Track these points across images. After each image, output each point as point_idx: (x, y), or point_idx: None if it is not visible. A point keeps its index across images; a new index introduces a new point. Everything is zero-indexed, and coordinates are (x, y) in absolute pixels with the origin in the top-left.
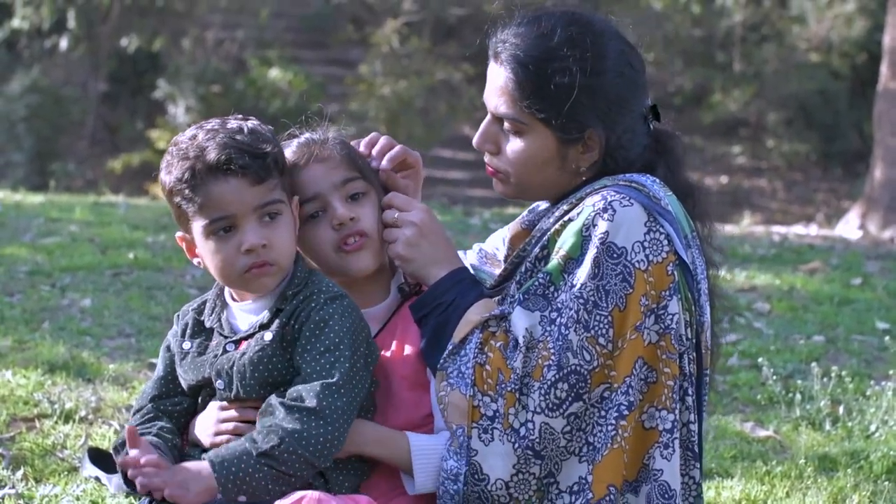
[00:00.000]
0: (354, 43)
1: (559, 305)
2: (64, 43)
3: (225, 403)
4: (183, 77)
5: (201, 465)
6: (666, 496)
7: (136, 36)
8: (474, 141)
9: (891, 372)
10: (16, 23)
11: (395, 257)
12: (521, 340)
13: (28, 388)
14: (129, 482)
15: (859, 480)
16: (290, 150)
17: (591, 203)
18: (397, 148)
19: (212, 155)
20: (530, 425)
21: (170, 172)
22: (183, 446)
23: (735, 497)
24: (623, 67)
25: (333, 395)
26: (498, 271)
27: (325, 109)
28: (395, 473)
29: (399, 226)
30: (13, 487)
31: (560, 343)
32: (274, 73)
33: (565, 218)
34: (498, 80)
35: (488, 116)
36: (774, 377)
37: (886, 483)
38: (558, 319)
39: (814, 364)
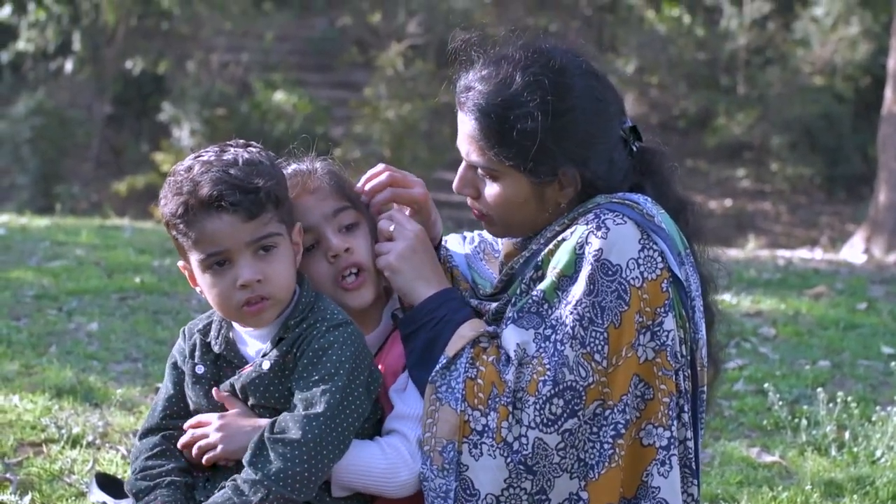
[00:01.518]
0: (359, 66)
1: (553, 322)
2: (69, 65)
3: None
4: (188, 100)
5: None
6: None
7: (141, 58)
8: (454, 186)
9: None
10: (21, 45)
11: (386, 268)
12: (512, 355)
13: (35, 413)
14: None
15: None
16: None
17: (585, 221)
18: (384, 176)
19: (204, 191)
20: (524, 440)
21: (166, 205)
22: (196, 473)
23: None
24: (588, 103)
25: (320, 427)
26: (491, 269)
27: (311, 138)
28: (402, 501)
29: (394, 238)
30: None
31: (556, 359)
32: (279, 96)
33: (558, 238)
34: (465, 128)
35: (463, 162)
36: (780, 402)
37: None
38: (553, 336)
39: (819, 389)
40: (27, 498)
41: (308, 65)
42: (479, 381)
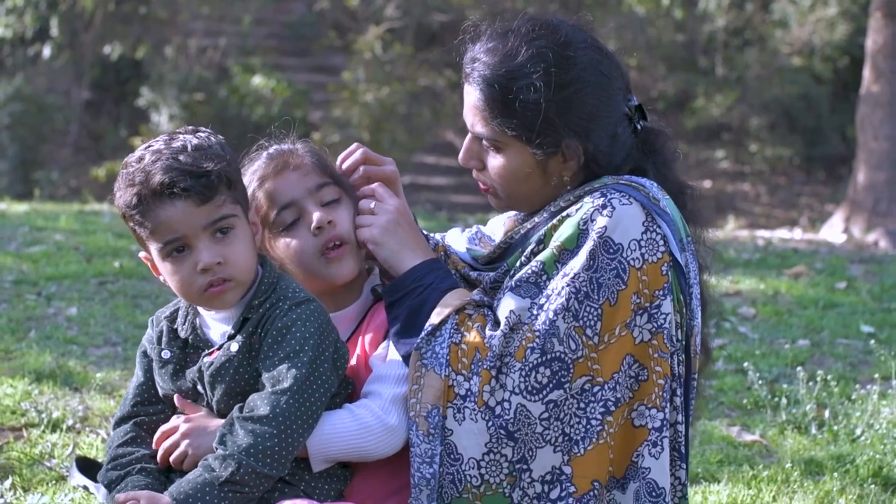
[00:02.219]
0: (337, 50)
1: (549, 293)
2: (47, 51)
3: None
4: (166, 85)
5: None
6: (654, 494)
7: (120, 44)
8: (459, 158)
9: (876, 375)
10: None
11: (370, 240)
12: (503, 321)
13: (15, 398)
14: None
15: (845, 484)
16: (260, 162)
17: (591, 199)
18: (358, 153)
19: (155, 179)
20: (506, 405)
21: (121, 198)
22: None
23: (722, 501)
24: (592, 76)
25: (288, 401)
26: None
27: (292, 120)
28: (381, 475)
29: (375, 213)
30: (1, 497)
31: (546, 328)
32: (257, 80)
33: (563, 214)
34: (470, 99)
35: (469, 134)
36: (760, 381)
37: (872, 486)
38: (547, 305)
39: (799, 368)
40: (7, 482)
41: (286, 49)
42: (463, 346)
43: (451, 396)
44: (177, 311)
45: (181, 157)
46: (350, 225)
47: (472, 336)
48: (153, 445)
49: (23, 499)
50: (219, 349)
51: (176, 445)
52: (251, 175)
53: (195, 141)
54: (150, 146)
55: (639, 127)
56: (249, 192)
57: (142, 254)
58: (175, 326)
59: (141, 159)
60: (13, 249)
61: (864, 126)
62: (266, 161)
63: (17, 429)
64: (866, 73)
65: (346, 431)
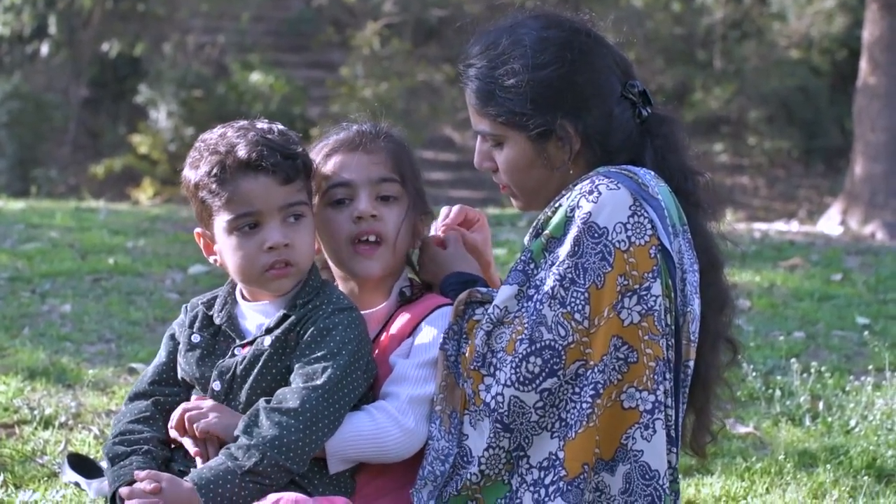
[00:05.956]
0: (335, 45)
1: (537, 282)
2: (45, 49)
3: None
4: (164, 82)
5: (187, 490)
6: (647, 477)
7: (118, 41)
8: (474, 163)
9: (870, 367)
10: None
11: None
12: (487, 317)
13: (8, 395)
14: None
15: (839, 476)
16: (346, 132)
17: (579, 187)
18: (456, 209)
19: (243, 151)
20: (500, 398)
21: (197, 167)
22: (169, 444)
23: (715, 493)
24: (572, 55)
25: (318, 398)
26: None
27: (379, 114)
28: (378, 476)
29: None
30: None
31: (534, 318)
32: (255, 76)
33: (556, 204)
34: (468, 100)
35: (478, 137)
36: (754, 373)
37: (866, 478)
38: (535, 295)
39: (794, 360)
40: None
41: (284, 45)
42: (466, 353)
43: (467, 403)
44: (214, 298)
45: (269, 136)
46: (395, 226)
47: (472, 342)
48: (170, 424)
49: (14, 495)
50: (251, 344)
51: (202, 416)
52: (332, 142)
53: (279, 127)
54: (231, 125)
55: (644, 112)
56: (321, 155)
57: (197, 230)
58: (211, 313)
59: (223, 135)
60: (8, 247)
61: (862, 118)
62: (353, 134)
63: (10, 426)
64: (863, 64)
65: (364, 431)
